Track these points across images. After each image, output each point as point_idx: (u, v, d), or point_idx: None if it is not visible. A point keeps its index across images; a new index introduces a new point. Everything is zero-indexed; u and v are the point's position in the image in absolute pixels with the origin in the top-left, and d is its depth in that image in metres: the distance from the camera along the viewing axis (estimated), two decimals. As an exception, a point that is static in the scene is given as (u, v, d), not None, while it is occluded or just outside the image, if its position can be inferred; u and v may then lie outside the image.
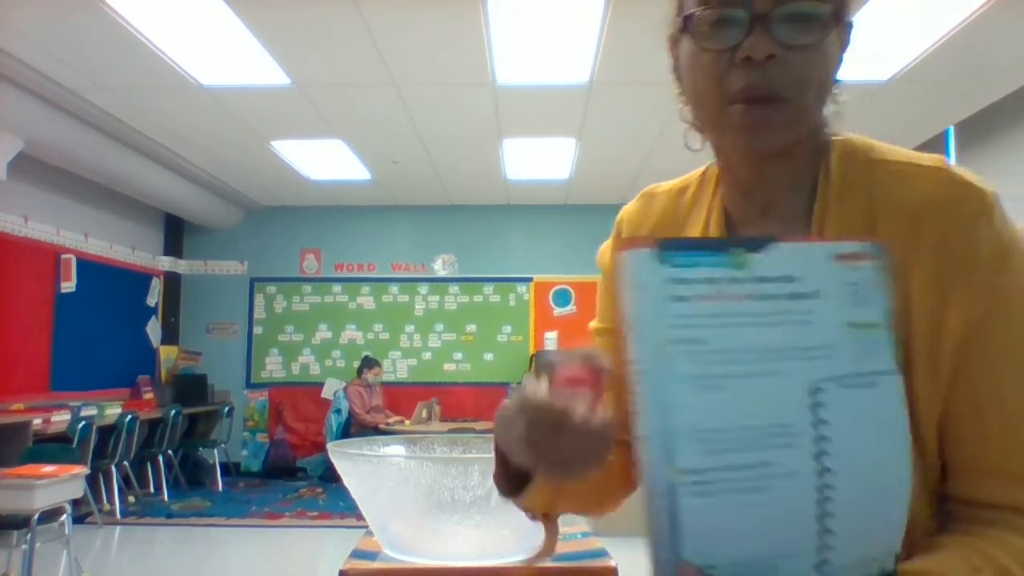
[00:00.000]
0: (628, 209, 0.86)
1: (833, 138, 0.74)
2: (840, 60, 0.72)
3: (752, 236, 0.57)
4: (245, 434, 7.99)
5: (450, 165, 6.66)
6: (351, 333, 8.17)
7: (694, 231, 0.78)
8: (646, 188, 0.86)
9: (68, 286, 6.35)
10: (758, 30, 0.64)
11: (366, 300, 8.21)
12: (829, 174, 0.71)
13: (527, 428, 0.56)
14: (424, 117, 5.33)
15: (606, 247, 0.87)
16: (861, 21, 3.79)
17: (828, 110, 0.72)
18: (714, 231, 0.76)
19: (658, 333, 0.51)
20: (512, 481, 0.70)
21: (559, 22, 3.88)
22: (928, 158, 0.68)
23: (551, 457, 0.57)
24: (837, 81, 0.72)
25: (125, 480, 6.25)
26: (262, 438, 7.99)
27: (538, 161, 6.48)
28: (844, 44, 0.72)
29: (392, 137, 5.81)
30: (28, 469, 3.66)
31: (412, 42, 4.13)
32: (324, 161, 6.49)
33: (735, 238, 0.63)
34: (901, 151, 0.71)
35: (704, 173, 0.82)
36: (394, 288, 8.19)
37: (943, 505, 0.65)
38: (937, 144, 6.01)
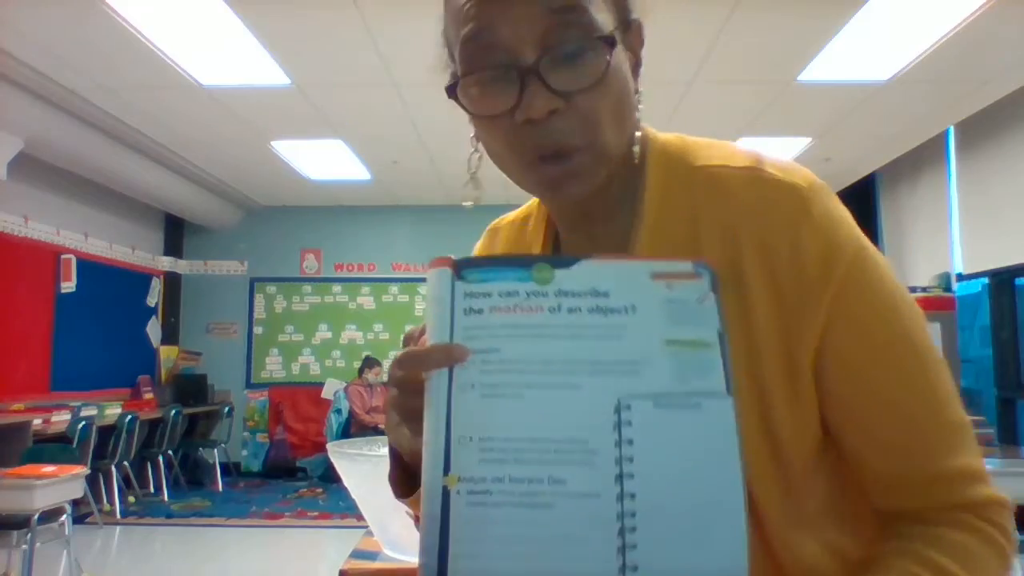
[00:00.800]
0: (479, 245, 0.86)
1: (649, 144, 0.67)
2: (638, 64, 0.65)
3: (561, 255, 0.57)
4: (245, 434, 7.99)
5: (450, 165, 6.65)
6: (351, 333, 8.17)
7: (527, 249, 0.75)
8: (492, 223, 0.86)
9: (68, 286, 6.35)
10: (531, 85, 0.57)
11: (366, 300, 8.21)
12: (645, 190, 0.65)
13: (395, 401, 0.56)
14: (424, 117, 5.33)
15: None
16: (861, 21, 3.80)
17: (635, 119, 0.65)
18: (542, 251, 0.73)
19: (446, 342, 0.51)
20: (406, 483, 0.64)
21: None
22: (742, 156, 0.63)
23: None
24: (638, 92, 0.64)
25: (125, 480, 6.25)
26: (262, 438, 7.98)
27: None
28: (638, 45, 0.65)
29: (392, 137, 5.81)
30: (28, 469, 3.66)
31: (412, 42, 4.13)
32: (324, 161, 6.49)
33: (541, 255, 0.60)
34: (718, 150, 0.65)
35: (540, 201, 0.78)
36: (394, 288, 8.19)
37: (883, 522, 0.61)
38: (937, 144, 6.01)
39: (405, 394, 0.55)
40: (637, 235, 0.64)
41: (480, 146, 0.70)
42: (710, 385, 0.50)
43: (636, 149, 0.65)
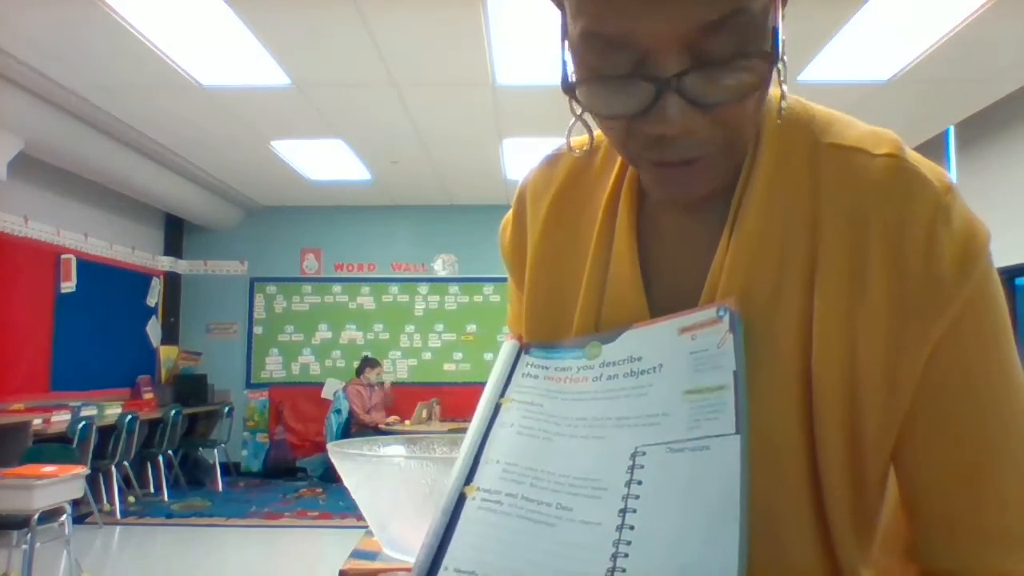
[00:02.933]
0: (531, 177, 0.72)
1: (769, 104, 0.58)
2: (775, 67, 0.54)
3: (609, 331, 0.59)
4: (245, 434, 7.99)
5: (450, 165, 6.65)
6: (351, 333, 8.17)
7: (599, 203, 0.65)
8: (553, 151, 0.72)
9: (68, 286, 6.35)
10: (669, 97, 0.48)
11: (366, 300, 8.21)
12: (757, 158, 0.57)
13: None
14: (424, 117, 5.33)
15: (507, 221, 0.74)
16: (861, 21, 3.80)
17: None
18: (624, 212, 0.62)
19: (498, 394, 0.58)
20: None
21: (559, 22, 3.88)
22: (883, 141, 0.57)
23: None
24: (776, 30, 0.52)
25: (125, 480, 6.25)
26: (262, 438, 7.98)
27: (538, 161, 6.47)
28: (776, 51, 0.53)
29: (392, 137, 5.81)
30: (28, 469, 3.66)
31: (412, 42, 4.13)
32: (324, 161, 6.49)
33: (593, 336, 0.58)
34: (852, 129, 0.58)
35: None
36: (394, 288, 8.19)
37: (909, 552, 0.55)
38: (937, 144, 6.01)
39: None
40: (745, 206, 0.56)
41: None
42: (721, 427, 0.51)
43: (769, 101, 0.57)
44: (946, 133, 5.91)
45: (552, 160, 0.72)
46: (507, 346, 0.62)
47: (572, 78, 0.53)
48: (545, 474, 0.53)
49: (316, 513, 6.08)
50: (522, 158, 6.39)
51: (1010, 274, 5.45)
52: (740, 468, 0.49)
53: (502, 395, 0.58)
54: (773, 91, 0.57)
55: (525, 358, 0.61)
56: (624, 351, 0.57)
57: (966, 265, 0.52)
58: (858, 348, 0.53)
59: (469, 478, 0.53)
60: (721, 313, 0.54)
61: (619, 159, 0.66)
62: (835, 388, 0.53)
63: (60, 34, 3.99)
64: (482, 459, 0.55)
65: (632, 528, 0.49)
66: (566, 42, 0.53)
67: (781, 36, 0.50)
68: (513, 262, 0.72)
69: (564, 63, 0.54)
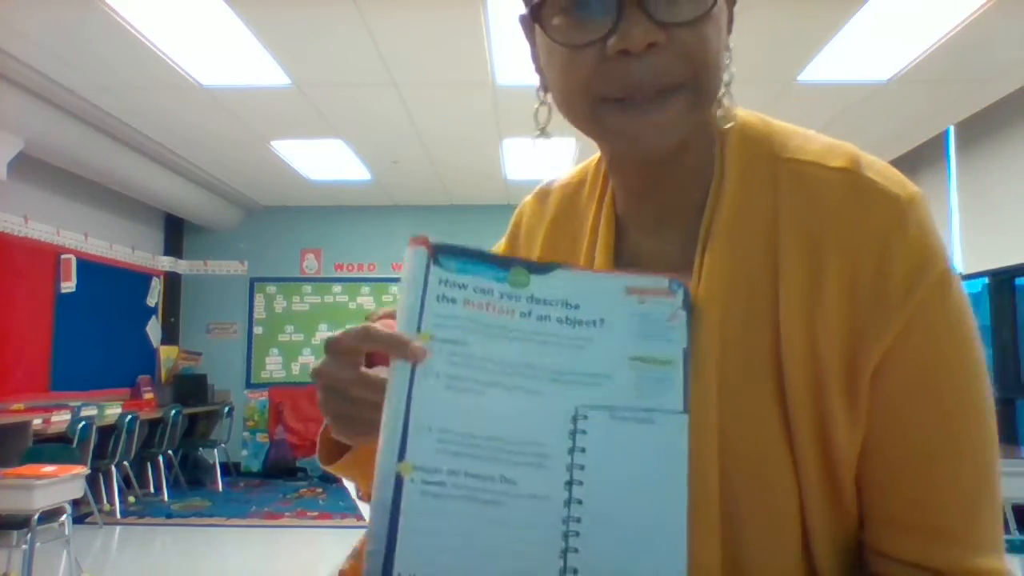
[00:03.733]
0: (525, 210, 0.76)
1: (728, 120, 0.61)
2: (730, 20, 0.59)
3: (541, 261, 0.55)
4: (245, 434, 7.99)
5: (450, 165, 6.65)
6: (351, 333, 8.17)
7: (584, 234, 0.68)
8: (542, 184, 0.76)
9: (68, 286, 6.35)
10: (630, 11, 0.51)
11: (366, 300, 8.21)
12: (723, 177, 0.60)
13: (321, 394, 0.57)
14: (424, 117, 5.33)
15: (500, 246, 0.79)
16: (861, 21, 3.80)
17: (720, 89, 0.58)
18: (603, 238, 0.65)
19: (415, 326, 0.52)
20: (332, 452, 0.68)
21: None
22: (839, 154, 0.58)
23: (339, 415, 0.56)
24: (728, 49, 0.58)
25: (125, 480, 6.25)
26: (262, 438, 7.98)
27: (538, 161, 6.48)
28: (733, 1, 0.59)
29: (392, 137, 5.81)
30: (28, 469, 3.66)
31: (412, 42, 4.13)
32: (324, 161, 6.49)
33: (521, 259, 0.56)
34: (809, 143, 0.60)
35: (599, 163, 0.70)
36: (394, 288, 8.18)
37: (862, 553, 0.57)
38: (937, 144, 6.01)
39: (340, 366, 0.55)
40: (714, 227, 0.58)
41: (548, 97, 0.63)
42: (668, 402, 0.51)
43: (719, 114, 0.59)
44: (946, 133, 5.91)
45: (543, 194, 0.75)
46: (412, 254, 0.54)
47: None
48: (484, 440, 0.50)
49: (316, 513, 6.08)
50: (522, 158, 6.39)
51: (1010, 274, 5.45)
52: (687, 449, 0.50)
53: (418, 328, 0.52)
54: (739, 112, 0.61)
55: (436, 271, 0.53)
56: (558, 292, 0.53)
57: (916, 279, 0.53)
58: (821, 364, 0.54)
59: (402, 452, 0.49)
60: (675, 287, 0.54)
61: (598, 196, 0.68)
62: (804, 403, 0.54)
63: (60, 34, 3.99)
64: (412, 425, 0.50)
65: (580, 503, 0.49)
66: None
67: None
68: None
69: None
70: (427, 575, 0.48)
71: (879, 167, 0.57)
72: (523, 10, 0.58)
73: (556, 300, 0.53)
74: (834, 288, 0.54)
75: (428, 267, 0.53)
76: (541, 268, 0.54)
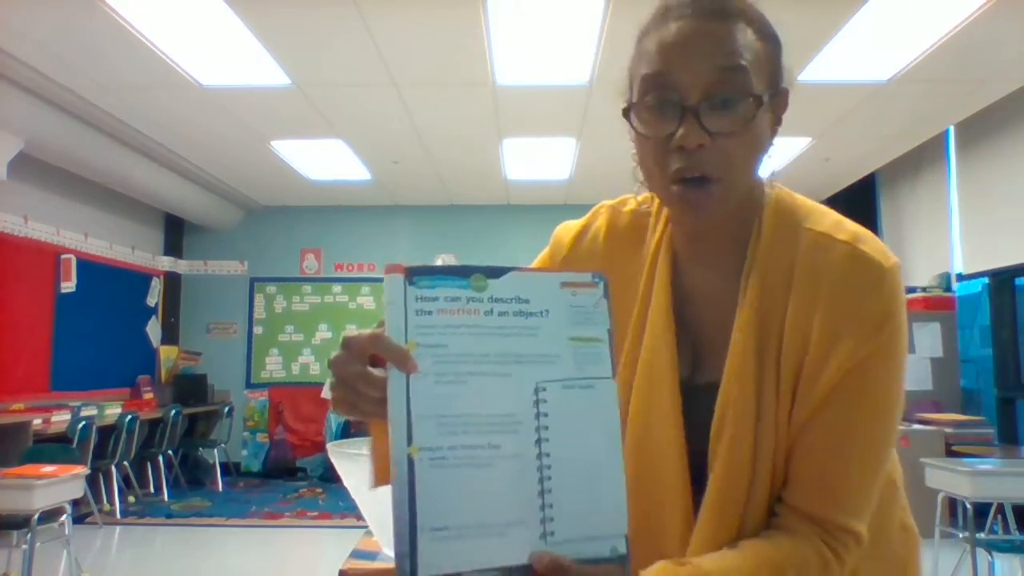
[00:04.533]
0: (600, 213, 0.94)
1: (767, 194, 0.83)
2: (777, 123, 0.81)
3: (492, 266, 0.67)
4: (245, 434, 7.99)
5: (450, 165, 6.65)
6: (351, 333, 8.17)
7: (645, 258, 0.88)
8: (614, 201, 0.94)
9: (68, 286, 6.35)
10: (689, 121, 0.73)
11: (366, 300, 8.21)
12: (760, 236, 0.81)
13: (333, 380, 0.68)
14: (424, 117, 5.33)
15: (574, 231, 0.95)
16: (861, 21, 3.80)
17: (762, 170, 0.80)
18: (662, 266, 0.86)
19: (402, 339, 0.63)
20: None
21: (559, 22, 3.88)
22: (844, 229, 0.79)
23: (343, 401, 0.68)
24: (771, 145, 0.80)
25: (125, 480, 6.25)
26: (262, 438, 7.98)
27: (538, 161, 6.48)
28: (781, 108, 0.81)
29: (392, 137, 5.81)
30: (28, 469, 3.66)
31: (412, 42, 4.13)
32: (324, 161, 6.49)
33: (478, 266, 0.68)
34: (826, 218, 0.81)
35: (661, 206, 0.90)
36: (394, 288, 8.18)
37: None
38: (937, 144, 6.01)
39: (351, 361, 0.66)
40: (748, 275, 0.80)
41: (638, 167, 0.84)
42: (601, 371, 0.67)
43: (766, 191, 0.83)
44: (946, 133, 5.91)
45: (617, 212, 0.93)
46: (389, 281, 0.65)
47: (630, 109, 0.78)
48: (472, 417, 0.62)
49: (316, 513, 6.08)
50: (522, 158, 6.39)
51: (1010, 274, 5.45)
52: (617, 406, 0.67)
53: (405, 340, 0.63)
54: (771, 191, 0.83)
55: (411, 290, 0.65)
56: (511, 291, 0.67)
57: (879, 325, 0.74)
58: (802, 367, 0.76)
59: (409, 439, 0.61)
60: (596, 280, 0.69)
61: (660, 228, 0.89)
62: (787, 390, 0.77)
63: (60, 34, 3.99)
64: (413, 416, 0.61)
65: (548, 455, 0.63)
66: (633, 86, 0.79)
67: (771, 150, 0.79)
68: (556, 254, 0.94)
69: (630, 94, 0.80)
70: (443, 525, 0.60)
71: (872, 243, 0.78)
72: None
73: (511, 297, 0.66)
74: (823, 317, 0.76)
75: (405, 289, 0.64)
76: (496, 272, 0.67)
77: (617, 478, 0.65)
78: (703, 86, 0.73)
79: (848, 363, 0.74)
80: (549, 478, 0.63)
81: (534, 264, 0.93)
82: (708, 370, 0.82)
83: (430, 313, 0.64)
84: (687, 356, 0.83)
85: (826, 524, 0.75)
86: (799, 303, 0.77)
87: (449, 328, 0.64)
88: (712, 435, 0.78)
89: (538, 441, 0.63)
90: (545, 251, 0.97)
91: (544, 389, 0.65)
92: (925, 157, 6.26)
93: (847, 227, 0.80)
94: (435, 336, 0.64)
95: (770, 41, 0.78)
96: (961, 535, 3.76)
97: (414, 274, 0.65)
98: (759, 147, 0.77)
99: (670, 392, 0.81)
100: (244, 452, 7.95)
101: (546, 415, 0.64)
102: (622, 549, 0.64)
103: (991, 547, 3.52)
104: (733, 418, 0.76)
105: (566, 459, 0.64)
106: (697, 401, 0.80)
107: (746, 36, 0.75)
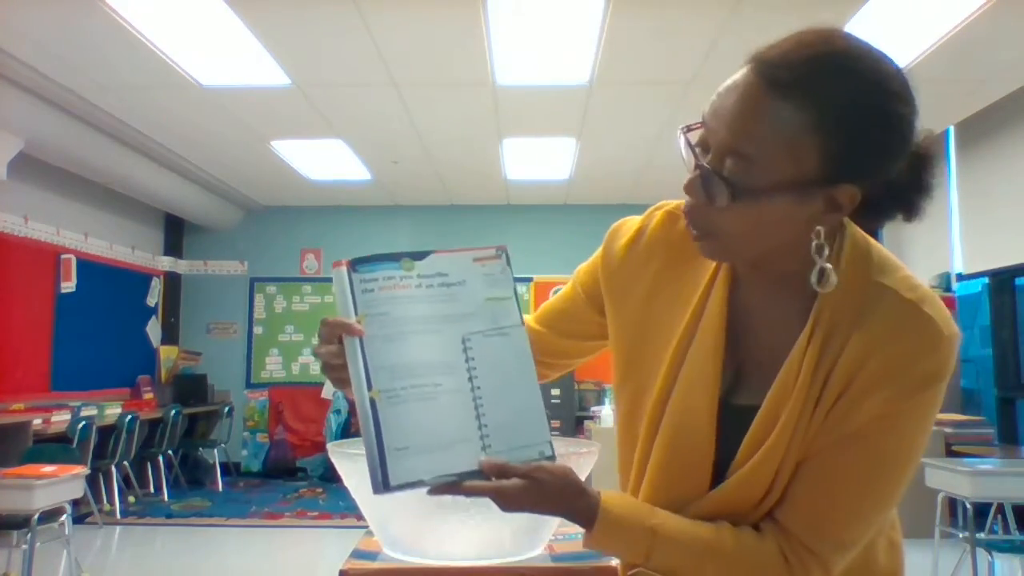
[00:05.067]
0: (654, 219, 0.95)
1: (847, 239, 0.82)
2: (831, 210, 0.77)
3: (416, 251, 0.85)
4: (245, 434, 7.99)
5: (450, 165, 6.65)
6: (351, 333, 8.17)
7: (704, 274, 0.89)
8: (670, 206, 0.94)
9: (68, 286, 6.35)
10: (694, 176, 0.77)
11: (366, 300, 8.21)
12: (830, 280, 0.81)
13: (322, 368, 0.88)
14: (424, 117, 5.33)
15: (629, 231, 0.97)
16: (861, 21, 3.80)
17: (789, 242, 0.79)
18: (720, 283, 0.87)
19: (352, 313, 0.81)
20: None
21: (559, 22, 3.88)
22: (912, 287, 0.79)
23: (328, 375, 0.87)
24: (820, 225, 0.78)
25: (125, 480, 6.25)
26: (262, 438, 7.98)
27: (538, 161, 6.48)
28: (838, 202, 0.76)
29: (392, 137, 5.81)
30: (28, 469, 3.66)
31: (412, 42, 4.13)
32: (324, 161, 6.49)
33: (405, 252, 0.85)
34: (896, 272, 0.81)
35: None
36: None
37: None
38: (937, 144, 6.00)
39: (323, 343, 0.86)
40: (819, 312, 0.80)
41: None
42: (512, 321, 0.85)
43: (840, 251, 0.82)
44: (946, 133, 5.91)
45: (674, 218, 0.93)
46: (337, 274, 0.84)
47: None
48: (417, 365, 0.80)
49: (316, 513, 6.08)
50: (522, 158, 6.39)
51: (1010, 274, 5.45)
52: (528, 347, 0.85)
53: (356, 313, 0.81)
54: (852, 230, 0.84)
55: (355, 276, 0.83)
56: (433, 268, 0.84)
57: (927, 383, 0.76)
58: (836, 401, 0.78)
59: (369, 385, 0.78)
60: (499, 253, 0.88)
61: None
62: (821, 415, 0.79)
63: (60, 34, 3.99)
64: (370, 368, 0.78)
65: (480, 388, 0.81)
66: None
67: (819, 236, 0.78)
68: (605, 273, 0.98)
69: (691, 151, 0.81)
70: (404, 445, 0.76)
71: (937, 308, 0.79)
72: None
73: (434, 273, 0.84)
74: (875, 364, 0.76)
75: (350, 277, 0.83)
76: (420, 255, 0.85)
77: (535, 399, 0.83)
78: (718, 151, 0.75)
79: (881, 410, 0.75)
80: (482, 405, 0.80)
81: (586, 264, 1.04)
82: (748, 392, 0.83)
83: (372, 291, 0.82)
84: (728, 374, 0.85)
85: (800, 544, 0.78)
86: (856, 350, 0.77)
87: (389, 300, 0.82)
88: (739, 456, 0.80)
89: (471, 379, 0.81)
90: (598, 251, 1.00)
91: (469, 339, 0.82)
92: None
93: (915, 286, 0.80)
94: (379, 307, 0.81)
95: (835, 136, 0.72)
96: (961, 535, 3.76)
97: (356, 264, 0.83)
98: (764, 230, 0.77)
99: (708, 408, 0.83)
100: (244, 452, 7.95)
101: (474, 359, 0.82)
102: (548, 452, 0.81)
103: (991, 547, 3.52)
104: (765, 445, 0.79)
105: (494, 389, 0.81)
106: (729, 420, 0.83)
107: (780, 119, 0.71)
